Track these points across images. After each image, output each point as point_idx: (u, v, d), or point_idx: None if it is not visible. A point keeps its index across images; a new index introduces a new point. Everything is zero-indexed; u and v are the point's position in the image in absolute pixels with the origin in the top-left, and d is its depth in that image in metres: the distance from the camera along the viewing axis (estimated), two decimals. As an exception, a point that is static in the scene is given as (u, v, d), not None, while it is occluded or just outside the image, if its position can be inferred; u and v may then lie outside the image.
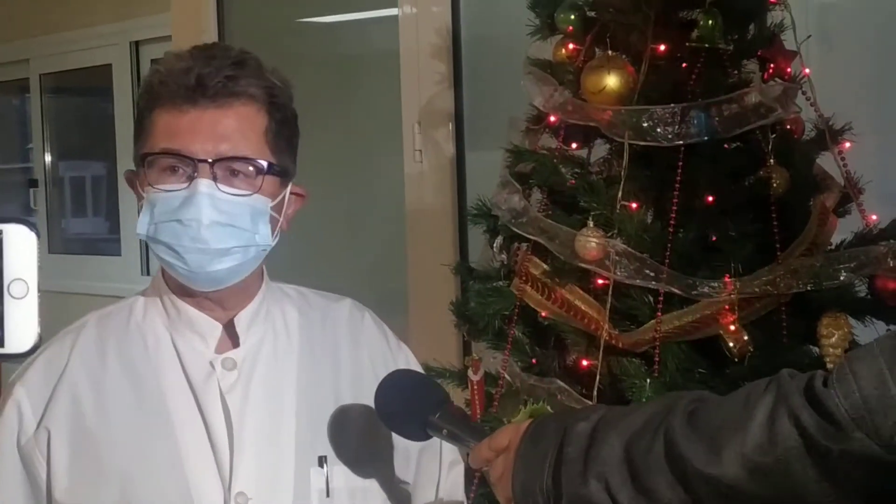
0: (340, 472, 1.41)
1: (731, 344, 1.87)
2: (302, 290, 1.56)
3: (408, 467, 1.52)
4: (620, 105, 1.99)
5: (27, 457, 1.36)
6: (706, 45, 1.97)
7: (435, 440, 1.47)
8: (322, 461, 1.40)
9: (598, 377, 1.94)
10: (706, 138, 1.94)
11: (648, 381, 1.88)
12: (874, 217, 2.00)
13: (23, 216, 0.81)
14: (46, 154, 5.92)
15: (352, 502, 1.41)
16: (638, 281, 1.92)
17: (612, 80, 2.00)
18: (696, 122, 1.94)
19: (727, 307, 1.87)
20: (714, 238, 1.95)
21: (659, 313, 1.91)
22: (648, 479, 1.09)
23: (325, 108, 3.68)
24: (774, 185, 1.94)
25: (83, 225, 6.43)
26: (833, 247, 1.98)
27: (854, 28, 2.64)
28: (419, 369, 1.58)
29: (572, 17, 2.14)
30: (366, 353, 1.52)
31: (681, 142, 1.93)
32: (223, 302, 1.41)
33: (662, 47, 2.02)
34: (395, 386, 1.40)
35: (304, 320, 1.50)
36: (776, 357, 1.84)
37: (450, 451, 1.57)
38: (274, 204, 1.38)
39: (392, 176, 3.37)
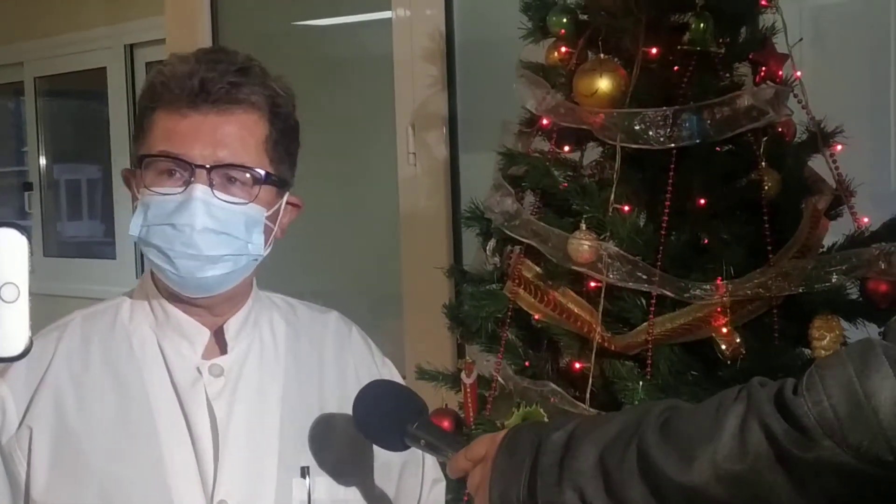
0: (322, 484, 1.41)
1: (723, 346, 1.87)
2: (289, 301, 1.56)
3: (389, 481, 1.52)
4: (612, 108, 1.99)
5: (8, 455, 1.36)
6: (698, 49, 1.97)
7: (418, 454, 1.48)
8: (304, 472, 1.39)
9: (590, 380, 1.94)
10: (698, 141, 1.94)
11: (641, 383, 1.88)
12: (866, 219, 2.00)
13: (12, 220, 0.81)
14: (41, 157, 5.91)
15: None
16: (630, 284, 1.92)
17: (604, 84, 2.00)
18: (687, 125, 1.94)
19: (719, 310, 1.87)
20: (706, 241, 1.96)
21: (651, 316, 1.91)
22: (622, 489, 1.09)
23: (319, 111, 3.68)
24: (766, 187, 1.94)
25: (78, 228, 6.42)
26: (825, 249, 1.98)
27: (846, 31, 2.64)
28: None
29: (564, 20, 2.14)
30: (351, 366, 1.52)
31: (673, 145, 1.94)
32: (212, 308, 1.41)
33: (654, 50, 2.02)
34: (373, 396, 1.40)
35: (291, 330, 1.49)
36: (768, 359, 1.84)
37: (432, 468, 1.57)
38: (269, 213, 1.38)
39: (386, 179, 3.37)
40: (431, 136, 3.21)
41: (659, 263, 1.91)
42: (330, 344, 1.52)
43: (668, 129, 1.94)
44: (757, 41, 2.08)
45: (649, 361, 1.90)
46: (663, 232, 1.92)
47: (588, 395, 1.93)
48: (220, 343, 1.42)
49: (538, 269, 2.06)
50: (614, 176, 1.96)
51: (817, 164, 2.09)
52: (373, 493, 1.49)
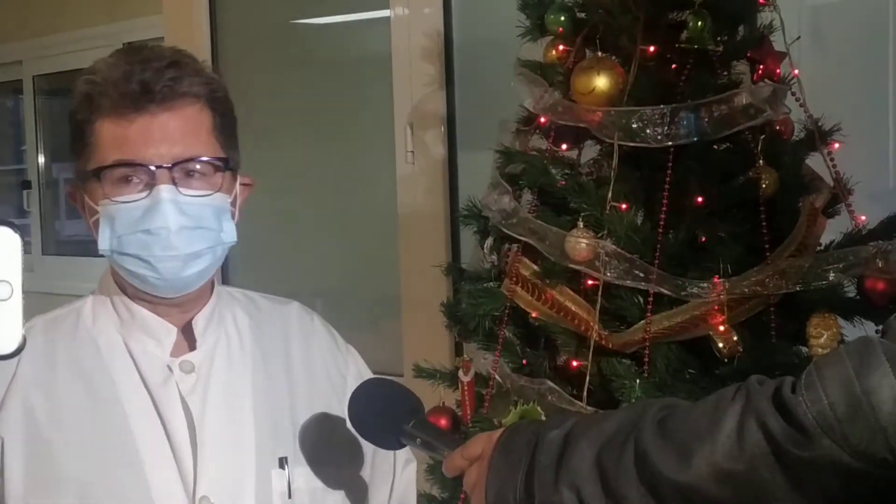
0: (301, 473, 1.40)
1: (720, 344, 1.87)
2: (248, 294, 1.55)
3: (364, 466, 1.52)
4: (610, 106, 1.99)
5: None
6: (696, 47, 1.97)
7: None
8: (283, 462, 1.39)
9: (587, 378, 1.94)
10: (696, 139, 1.94)
11: (638, 381, 1.88)
12: (863, 218, 2.00)
13: (7, 218, 0.80)
14: (40, 156, 5.91)
15: (312, 503, 1.41)
16: (628, 282, 1.93)
17: (601, 82, 2.00)
18: (685, 123, 1.94)
19: (716, 308, 1.88)
20: (703, 239, 1.96)
21: (649, 314, 1.91)
22: (619, 487, 1.09)
23: (318, 109, 3.68)
24: (764, 185, 1.95)
25: (77, 227, 6.40)
26: (822, 247, 1.98)
27: (844, 29, 2.64)
28: (367, 371, 1.58)
29: (562, 18, 2.14)
30: (317, 354, 1.52)
31: (670, 143, 1.94)
32: (182, 305, 1.40)
33: (652, 49, 2.02)
34: (368, 395, 1.40)
35: (255, 323, 1.49)
36: (765, 357, 1.85)
37: (404, 449, 1.57)
38: (231, 199, 1.38)
39: (384, 177, 3.37)
40: (429, 135, 3.21)
41: (656, 261, 1.91)
42: (294, 334, 1.52)
43: (666, 128, 1.94)
44: (755, 39, 2.08)
45: (646, 359, 1.90)
46: (661, 230, 1.92)
47: (585, 393, 1.93)
48: (187, 339, 1.41)
49: (536, 267, 2.06)
50: (612, 174, 1.96)
51: (815, 162, 2.09)
52: (349, 479, 1.49)
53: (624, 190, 1.97)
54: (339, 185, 3.67)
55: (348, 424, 1.44)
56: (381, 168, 3.39)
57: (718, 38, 2.02)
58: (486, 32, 3.19)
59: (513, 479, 1.16)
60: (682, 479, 1.05)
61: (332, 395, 1.51)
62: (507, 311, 2.09)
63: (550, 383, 1.99)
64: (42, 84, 5.87)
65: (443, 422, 2.07)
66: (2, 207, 6.30)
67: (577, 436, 1.15)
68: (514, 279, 2.08)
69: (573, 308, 2.00)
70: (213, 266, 1.37)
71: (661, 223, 1.92)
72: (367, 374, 1.58)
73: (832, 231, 2.02)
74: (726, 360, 1.88)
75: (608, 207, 1.95)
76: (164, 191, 1.30)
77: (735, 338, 1.87)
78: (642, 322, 1.92)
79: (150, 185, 1.30)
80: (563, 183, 2.07)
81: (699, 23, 1.96)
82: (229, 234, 1.37)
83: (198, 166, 1.33)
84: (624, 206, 1.97)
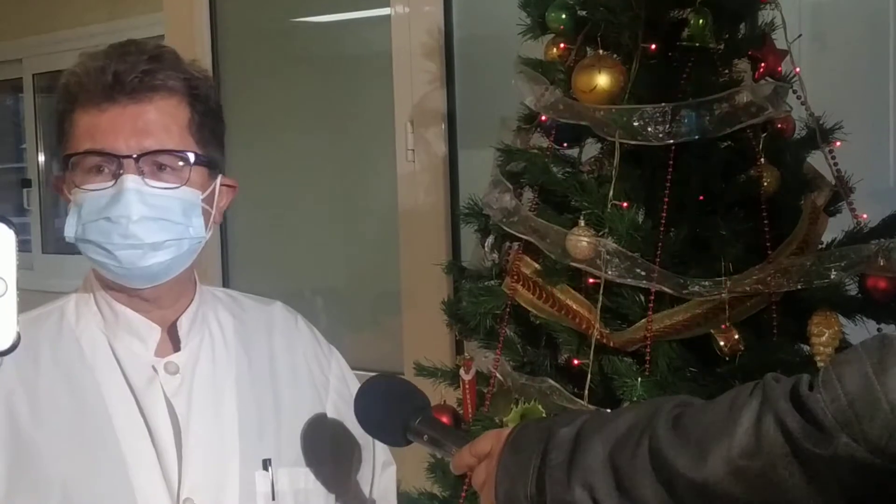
0: (284, 475, 1.40)
1: (721, 343, 1.87)
2: (232, 294, 1.55)
3: (345, 468, 1.52)
4: (611, 104, 1.99)
5: None
6: (697, 45, 1.97)
7: (368, 439, 1.48)
8: (266, 464, 1.39)
9: (589, 376, 1.93)
10: (697, 137, 1.93)
11: (640, 380, 1.87)
12: (864, 216, 2.00)
13: (2, 215, 0.80)
14: (39, 154, 5.90)
15: None
16: (629, 280, 1.92)
17: (602, 80, 2.00)
18: (686, 121, 1.93)
19: (718, 306, 1.87)
20: (705, 237, 1.95)
21: (650, 312, 1.91)
22: (634, 485, 1.08)
23: (318, 107, 3.68)
24: (765, 183, 1.94)
25: (77, 225, 6.41)
26: (823, 245, 1.97)
27: (845, 27, 2.64)
28: (350, 372, 1.58)
29: (563, 16, 2.14)
30: (301, 355, 1.52)
31: (671, 141, 1.93)
32: (158, 301, 1.39)
33: (653, 46, 2.02)
34: (375, 392, 1.40)
35: (238, 323, 1.49)
36: (767, 355, 1.84)
37: (382, 451, 1.58)
38: (205, 196, 1.37)
39: (384, 175, 3.37)
40: (430, 133, 3.21)
41: (657, 260, 1.90)
42: (278, 334, 1.52)
43: (667, 126, 1.93)
44: (756, 37, 2.08)
45: (648, 358, 1.90)
46: (662, 228, 1.91)
47: (587, 392, 1.93)
48: (172, 340, 1.41)
49: (537, 265, 2.05)
50: (613, 172, 1.95)
51: (816, 160, 2.09)
52: (331, 481, 1.48)
53: (625, 188, 1.97)
54: (340, 184, 3.67)
55: (351, 424, 1.44)
56: (382, 166, 3.38)
57: (720, 36, 2.02)
58: (486, 30, 3.19)
59: (523, 477, 1.16)
60: (699, 476, 1.04)
61: (316, 395, 1.51)
62: (507, 310, 2.08)
63: (552, 382, 1.99)
64: (42, 82, 5.86)
65: (444, 420, 2.06)
66: (1, 205, 6.29)
67: (589, 433, 1.14)
68: (515, 277, 2.08)
69: (574, 306, 2.00)
70: (179, 259, 1.36)
71: (663, 221, 1.91)
72: (350, 375, 1.58)
73: (833, 229, 2.02)
74: (727, 359, 1.87)
75: (609, 205, 1.94)
76: (130, 180, 1.30)
77: (736, 336, 1.86)
78: (643, 320, 1.91)
79: (118, 175, 1.31)
80: (564, 180, 2.06)
81: (700, 21, 1.96)
82: (198, 229, 1.36)
83: (166, 159, 1.33)
84: (625, 204, 1.96)
